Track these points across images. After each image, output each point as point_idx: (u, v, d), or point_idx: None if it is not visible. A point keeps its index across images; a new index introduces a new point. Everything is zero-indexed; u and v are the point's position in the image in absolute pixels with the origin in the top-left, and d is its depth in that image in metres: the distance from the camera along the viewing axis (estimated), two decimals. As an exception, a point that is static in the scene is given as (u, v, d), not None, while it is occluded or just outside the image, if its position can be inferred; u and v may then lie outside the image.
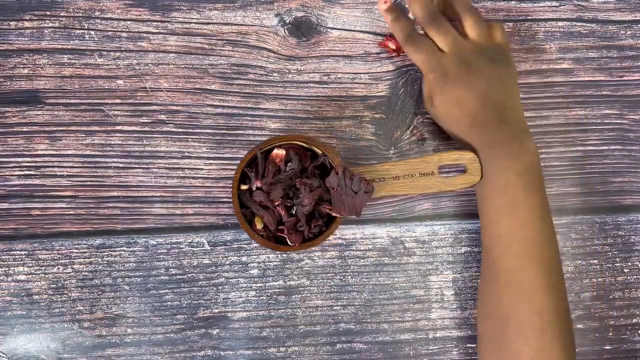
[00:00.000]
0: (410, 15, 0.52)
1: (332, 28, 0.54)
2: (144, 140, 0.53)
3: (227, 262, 0.53)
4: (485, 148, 0.48)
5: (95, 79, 0.53)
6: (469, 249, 0.55)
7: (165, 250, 0.53)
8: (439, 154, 0.50)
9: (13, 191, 0.53)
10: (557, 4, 0.56)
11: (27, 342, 0.53)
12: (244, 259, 0.54)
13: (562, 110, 0.55)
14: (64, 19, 0.53)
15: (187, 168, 0.53)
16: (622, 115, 0.56)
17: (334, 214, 0.48)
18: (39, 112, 0.53)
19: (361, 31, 0.54)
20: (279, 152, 0.49)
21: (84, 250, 0.53)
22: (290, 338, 0.54)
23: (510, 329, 0.46)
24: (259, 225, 0.49)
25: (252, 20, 0.54)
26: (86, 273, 0.53)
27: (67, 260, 0.53)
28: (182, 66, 0.53)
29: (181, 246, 0.53)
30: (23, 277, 0.53)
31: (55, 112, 0.53)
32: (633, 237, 0.56)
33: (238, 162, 0.53)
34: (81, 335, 0.53)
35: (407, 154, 0.54)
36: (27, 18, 0.53)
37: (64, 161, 0.53)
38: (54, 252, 0.53)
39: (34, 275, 0.53)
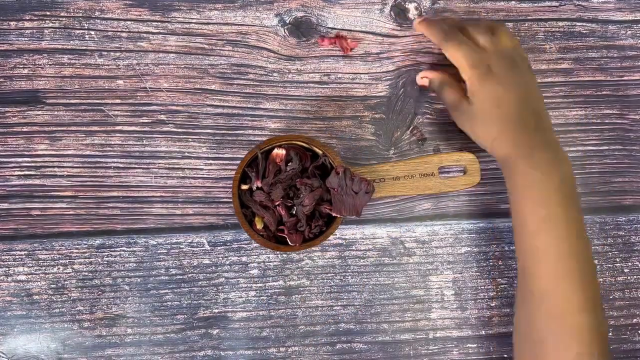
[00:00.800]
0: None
1: (332, 28, 0.54)
2: (144, 141, 0.53)
3: (227, 262, 0.53)
4: (522, 154, 0.45)
5: (95, 79, 0.53)
6: (469, 249, 0.55)
7: (165, 251, 0.53)
8: (439, 155, 0.50)
9: (13, 191, 0.53)
10: (557, 4, 0.56)
11: (27, 342, 0.53)
12: (244, 259, 0.54)
13: (562, 110, 0.55)
14: (64, 19, 0.53)
15: (187, 168, 0.53)
16: (622, 115, 0.56)
17: (334, 214, 0.48)
18: (39, 112, 0.53)
19: (361, 31, 0.54)
20: (280, 152, 0.49)
21: (84, 251, 0.53)
22: (291, 338, 0.54)
23: (546, 352, 0.44)
24: (259, 225, 0.49)
25: (252, 20, 0.54)
26: (86, 273, 0.53)
27: (67, 261, 0.53)
28: (182, 66, 0.53)
29: (181, 246, 0.53)
30: (23, 277, 0.53)
31: (55, 112, 0.53)
32: (633, 237, 0.56)
33: (238, 162, 0.53)
34: (81, 336, 0.53)
35: (407, 154, 0.54)
36: (27, 18, 0.53)
37: (64, 161, 0.53)
38: (54, 252, 0.53)
39: (34, 276, 0.53)
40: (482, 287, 0.55)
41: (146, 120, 0.53)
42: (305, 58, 0.54)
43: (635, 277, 0.55)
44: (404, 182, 0.50)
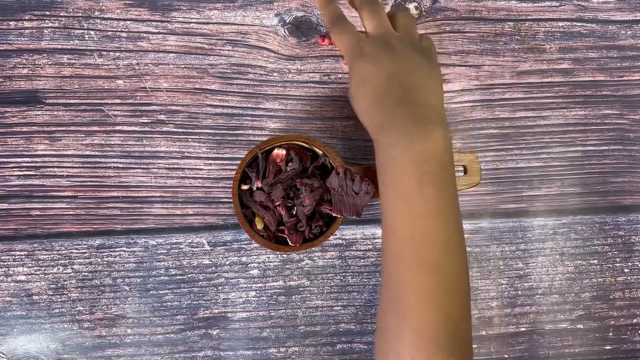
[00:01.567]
0: None
1: (332, 28, 0.54)
2: (144, 141, 0.53)
3: (227, 263, 0.53)
4: (379, 129, 0.42)
5: (95, 79, 0.53)
6: (469, 249, 0.55)
7: (165, 251, 0.53)
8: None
9: (13, 191, 0.52)
10: (557, 4, 0.56)
11: (26, 342, 0.53)
12: (244, 259, 0.54)
13: (562, 110, 0.55)
14: (63, 19, 0.53)
15: (187, 168, 0.53)
16: (622, 115, 0.56)
17: (334, 215, 0.48)
18: (39, 112, 0.52)
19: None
20: (280, 152, 0.49)
21: (83, 251, 0.53)
22: (291, 338, 0.54)
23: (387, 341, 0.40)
24: (260, 226, 0.49)
25: (252, 20, 0.54)
26: (86, 273, 0.53)
27: (66, 261, 0.53)
28: (182, 66, 0.53)
29: (181, 246, 0.53)
30: (23, 278, 0.53)
31: (55, 112, 0.53)
32: (633, 237, 0.56)
33: (238, 162, 0.52)
34: (81, 336, 0.53)
35: (407, 154, 0.54)
36: (27, 18, 0.53)
37: (63, 161, 0.53)
38: (54, 252, 0.53)
39: (33, 276, 0.53)
40: (482, 288, 0.55)
41: (146, 120, 0.53)
42: (306, 58, 0.54)
43: (635, 277, 0.55)
44: (404, 182, 0.50)
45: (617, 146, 0.56)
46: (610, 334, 0.55)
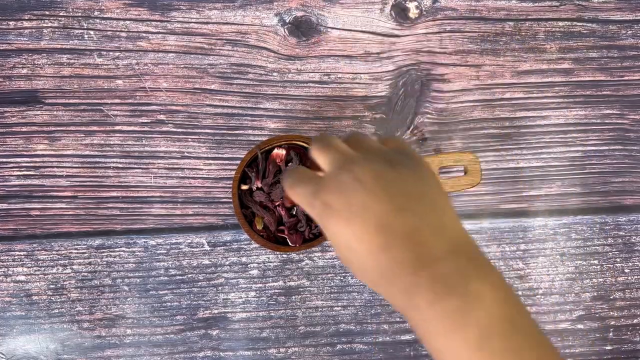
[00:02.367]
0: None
1: (332, 28, 0.54)
2: (144, 141, 0.53)
3: (227, 263, 0.53)
4: (406, 308, 0.30)
5: (94, 79, 0.53)
6: (469, 249, 0.55)
7: (165, 251, 0.53)
8: (439, 155, 0.50)
9: (12, 191, 0.52)
10: (558, 3, 0.56)
11: (26, 342, 0.52)
12: (243, 259, 0.53)
13: (562, 110, 0.55)
14: (63, 18, 0.53)
15: (187, 168, 0.53)
16: (622, 115, 0.56)
17: (334, 215, 0.48)
18: (38, 112, 0.52)
19: (361, 31, 0.54)
20: (280, 152, 0.49)
21: (83, 251, 0.53)
22: (291, 339, 0.54)
23: None
24: (259, 226, 0.49)
25: (252, 19, 0.54)
26: (85, 274, 0.53)
27: (66, 261, 0.53)
28: (182, 66, 0.53)
29: (181, 247, 0.53)
30: (22, 278, 0.52)
31: (55, 112, 0.52)
32: (634, 237, 0.55)
33: (238, 162, 0.52)
34: (80, 336, 0.53)
35: (407, 154, 0.54)
36: (27, 18, 0.52)
37: (63, 161, 0.53)
38: (53, 252, 0.52)
39: (33, 276, 0.52)
40: (483, 288, 0.55)
41: (145, 120, 0.53)
42: (305, 58, 0.54)
43: (635, 277, 0.55)
44: (404, 182, 0.50)
45: (618, 146, 0.56)
46: (611, 334, 0.55)
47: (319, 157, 0.34)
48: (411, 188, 0.31)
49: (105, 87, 0.53)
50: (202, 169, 0.53)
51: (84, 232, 0.53)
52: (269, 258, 0.54)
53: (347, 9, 0.54)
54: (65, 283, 0.53)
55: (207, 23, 0.53)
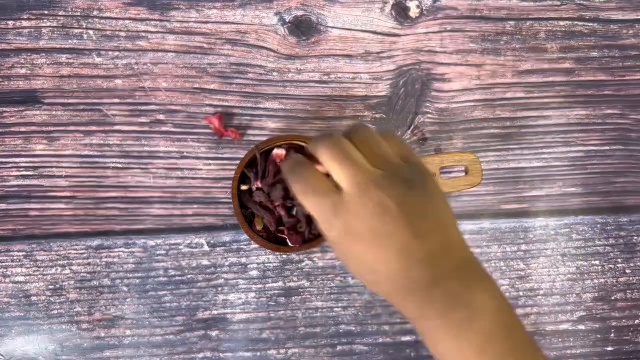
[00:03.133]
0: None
1: (332, 27, 0.54)
2: (143, 140, 0.53)
3: (227, 263, 0.53)
4: (418, 318, 0.34)
5: (93, 79, 0.53)
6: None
7: (164, 251, 0.53)
8: (440, 155, 0.50)
9: (11, 191, 0.52)
10: (559, 3, 0.55)
11: (25, 343, 0.52)
12: (243, 259, 0.53)
13: (563, 110, 0.55)
14: (62, 18, 0.52)
15: (186, 168, 0.53)
16: (623, 115, 0.55)
17: (334, 215, 0.48)
18: (37, 112, 0.52)
19: (361, 30, 0.54)
20: (279, 152, 0.49)
21: (82, 251, 0.52)
22: (290, 340, 0.54)
23: None
24: (259, 226, 0.48)
25: (252, 19, 0.53)
26: (84, 274, 0.52)
27: (65, 261, 0.52)
28: (181, 65, 0.53)
29: (180, 247, 0.53)
30: (21, 278, 0.52)
31: (53, 112, 0.52)
32: (635, 237, 0.55)
33: (237, 162, 0.52)
34: (79, 337, 0.53)
35: (407, 154, 0.54)
36: (25, 17, 0.52)
37: (62, 161, 0.52)
38: (52, 253, 0.52)
39: (31, 276, 0.52)
40: (483, 288, 0.55)
41: (145, 120, 0.53)
42: (305, 57, 0.54)
43: (637, 277, 0.55)
44: (404, 183, 0.50)
45: (619, 146, 0.55)
46: (612, 335, 0.55)
47: (332, 164, 0.34)
48: (426, 210, 0.33)
49: (104, 87, 0.53)
50: (201, 169, 0.53)
51: (83, 232, 0.53)
52: (268, 258, 0.53)
53: (347, 8, 0.54)
54: (64, 283, 0.52)
55: (207, 22, 0.53)
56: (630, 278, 0.55)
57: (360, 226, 0.32)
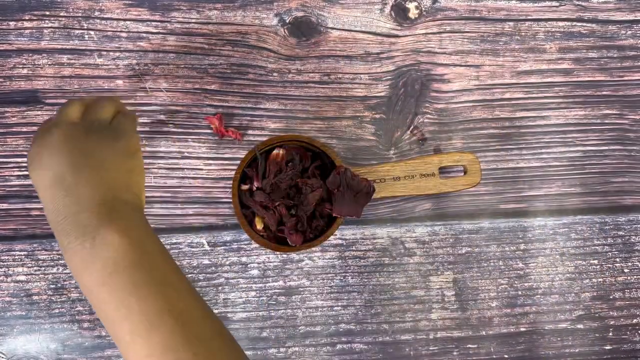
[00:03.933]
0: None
1: (332, 28, 0.54)
2: (144, 141, 0.53)
3: (227, 263, 0.53)
4: (58, 232, 0.36)
5: (94, 79, 0.53)
6: (469, 249, 0.55)
7: (165, 251, 0.53)
8: (439, 155, 0.50)
9: (13, 191, 0.52)
10: (557, 4, 0.56)
11: (26, 342, 0.52)
12: (243, 259, 0.53)
13: (562, 110, 0.55)
14: (63, 19, 0.53)
15: (187, 168, 0.53)
16: (622, 115, 0.56)
17: (334, 215, 0.48)
18: (39, 112, 0.52)
19: (361, 31, 0.54)
20: (280, 152, 0.49)
21: (83, 251, 0.53)
22: (291, 338, 0.54)
23: None
24: (260, 226, 0.49)
25: (252, 20, 0.54)
26: (86, 273, 0.53)
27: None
28: (182, 66, 0.53)
29: (181, 246, 0.53)
30: (23, 278, 0.53)
31: (55, 112, 0.52)
32: (633, 237, 0.56)
33: (238, 162, 0.52)
34: (81, 336, 0.53)
35: (407, 154, 0.54)
36: (27, 18, 0.53)
37: (63, 161, 0.53)
38: (54, 252, 0.53)
39: (33, 276, 0.53)
40: (483, 288, 0.55)
41: (146, 120, 0.53)
42: (305, 58, 0.54)
43: (635, 277, 0.55)
44: (404, 183, 0.50)
45: (617, 146, 0.56)
46: (610, 334, 0.55)
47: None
48: (90, 149, 0.38)
49: (106, 88, 0.53)
50: (202, 169, 0.53)
51: (85, 232, 0.53)
52: (269, 258, 0.54)
53: (347, 9, 0.54)
54: (65, 283, 0.53)
55: (207, 23, 0.53)
56: (629, 277, 0.56)
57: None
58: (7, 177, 0.52)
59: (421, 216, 0.55)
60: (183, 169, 0.53)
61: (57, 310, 0.53)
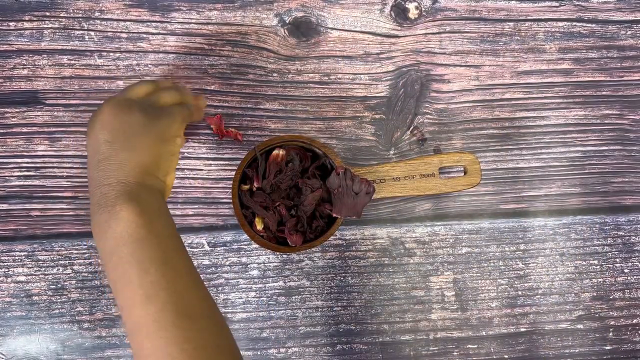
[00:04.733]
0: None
1: (332, 28, 0.54)
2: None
3: (227, 263, 0.53)
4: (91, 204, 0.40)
5: (95, 80, 0.53)
6: (469, 249, 0.55)
7: (165, 251, 0.53)
8: (439, 155, 0.50)
9: (13, 192, 0.52)
10: (557, 4, 0.56)
11: (26, 343, 0.53)
12: (243, 259, 0.54)
13: (562, 110, 0.55)
14: (63, 19, 0.53)
15: (187, 168, 0.53)
16: (622, 116, 0.56)
17: (334, 215, 0.48)
18: (39, 113, 0.52)
19: (361, 32, 0.54)
20: (280, 153, 0.49)
21: (83, 251, 0.53)
22: (291, 339, 0.54)
23: None
24: (260, 226, 0.49)
25: (252, 20, 0.54)
26: (86, 274, 0.53)
27: (66, 261, 0.53)
28: (182, 66, 0.53)
29: (181, 247, 0.53)
30: (23, 278, 0.53)
31: (55, 113, 0.53)
32: (633, 237, 0.56)
33: (238, 162, 0.52)
34: (81, 336, 0.53)
35: (407, 155, 0.54)
36: (27, 19, 0.53)
37: (63, 162, 0.53)
38: (54, 253, 0.53)
39: (33, 276, 0.53)
40: (483, 288, 0.55)
41: (146, 121, 0.53)
42: (305, 58, 0.54)
43: (635, 277, 0.55)
44: (404, 183, 0.50)
45: (617, 146, 0.56)
46: (610, 334, 0.55)
47: None
48: (137, 131, 0.41)
49: (106, 88, 0.53)
50: (202, 170, 0.53)
51: (85, 232, 0.53)
52: (269, 258, 0.54)
53: (347, 9, 0.54)
54: (65, 283, 0.53)
55: (207, 24, 0.53)
56: (629, 277, 0.56)
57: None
58: (7, 177, 0.52)
59: (421, 216, 0.55)
60: (183, 169, 0.53)
61: (57, 311, 0.53)
